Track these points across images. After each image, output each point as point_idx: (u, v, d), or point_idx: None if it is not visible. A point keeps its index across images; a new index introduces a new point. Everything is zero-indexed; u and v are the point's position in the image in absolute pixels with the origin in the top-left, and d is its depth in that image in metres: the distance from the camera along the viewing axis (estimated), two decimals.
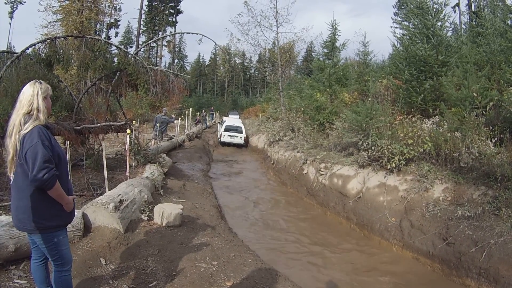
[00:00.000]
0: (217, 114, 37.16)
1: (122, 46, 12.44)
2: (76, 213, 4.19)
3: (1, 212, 4.60)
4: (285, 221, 7.99)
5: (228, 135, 20.62)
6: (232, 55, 59.71)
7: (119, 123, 8.09)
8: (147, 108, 23.04)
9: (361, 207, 7.40)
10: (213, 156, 17.68)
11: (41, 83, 2.54)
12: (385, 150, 7.33)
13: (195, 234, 5.24)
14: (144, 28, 45.34)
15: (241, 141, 20.66)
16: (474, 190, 5.78)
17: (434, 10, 8.97)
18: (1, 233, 3.52)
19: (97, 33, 31.32)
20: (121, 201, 4.98)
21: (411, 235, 6.04)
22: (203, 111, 31.42)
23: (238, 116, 29.84)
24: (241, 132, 20.88)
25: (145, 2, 42.64)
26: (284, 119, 16.52)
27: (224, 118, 25.30)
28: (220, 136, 21.01)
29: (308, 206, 9.24)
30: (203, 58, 70.79)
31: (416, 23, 9.39)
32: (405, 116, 8.37)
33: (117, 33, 36.68)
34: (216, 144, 21.28)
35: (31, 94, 2.46)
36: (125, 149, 7.70)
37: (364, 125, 8.31)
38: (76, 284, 3.35)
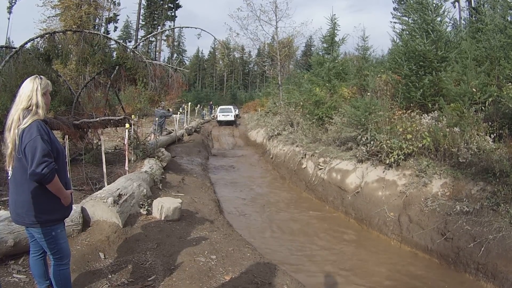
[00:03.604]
0: (216, 108, 37.28)
1: (121, 41, 12.37)
2: (75, 208, 4.22)
3: (0, 207, 4.60)
4: (283, 215, 8.00)
5: (222, 115, 27.72)
6: (231, 49, 59.55)
7: (118, 118, 8.08)
8: (146, 103, 22.99)
9: (360, 201, 7.42)
10: (212, 150, 17.69)
11: (41, 78, 2.54)
12: (384, 145, 7.33)
13: (193, 228, 5.25)
14: (143, 23, 45.07)
15: (232, 118, 27.57)
16: (473, 185, 5.79)
17: (434, 5, 8.92)
18: (0, 228, 3.52)
19: (96, 27, 31.09)
20: (120, 196, 4.98)
21: (410, 230, 6.06)
22: (199, 106, 31.64)
23: (237, 110, 31.26)
24: (232, 112, 27.99)
25: None
26: (283, 113, 16.47)
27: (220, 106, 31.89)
28: (216, 117, 28.52)
29: (306, 200, 9.24)
30: (202, 53, 70.71)
31: (416, 18, 9.34)
32: (404, 111, 8.37)
33: (116, 27, 36.41)
34: (216, 125, 27.00)
35: (30, 90, 2.46)
36: (124, 143, 7.69)
37: (363, 119, 8.30)
38: (75, 278, 3.36)
